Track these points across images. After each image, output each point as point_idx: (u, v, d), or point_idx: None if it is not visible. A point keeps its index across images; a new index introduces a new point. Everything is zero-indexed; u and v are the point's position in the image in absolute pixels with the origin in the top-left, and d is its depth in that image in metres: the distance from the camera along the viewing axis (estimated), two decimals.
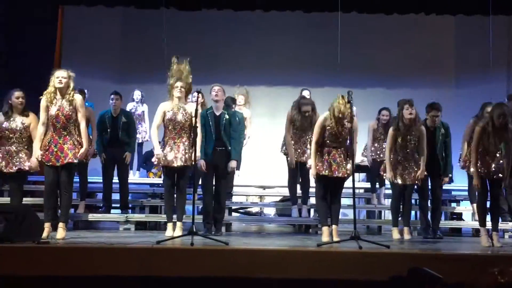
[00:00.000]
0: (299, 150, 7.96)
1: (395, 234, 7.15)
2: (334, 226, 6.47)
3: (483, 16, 10.65)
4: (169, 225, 6.71)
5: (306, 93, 8.65)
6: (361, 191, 9.85)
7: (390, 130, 7.19)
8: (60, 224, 6.12)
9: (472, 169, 6.53)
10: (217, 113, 7.20)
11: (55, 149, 6.03)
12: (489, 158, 6.39)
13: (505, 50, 12.11)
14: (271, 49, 12.12)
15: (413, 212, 7.75)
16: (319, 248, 5.60)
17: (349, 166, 6.32)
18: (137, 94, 10.26)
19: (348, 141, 6.35)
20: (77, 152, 6.08)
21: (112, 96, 8.38)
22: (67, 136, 6.09)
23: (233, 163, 7.26)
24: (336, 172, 6.31)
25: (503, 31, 11.93)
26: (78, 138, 6.16)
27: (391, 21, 11.41)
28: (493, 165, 6.37)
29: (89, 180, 8.48)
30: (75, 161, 6.09)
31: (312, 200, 8.44)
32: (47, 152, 6.05)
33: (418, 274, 2.47)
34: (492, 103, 6.94)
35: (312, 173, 6.46)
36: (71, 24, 11.82)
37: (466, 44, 12.19)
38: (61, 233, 6.07)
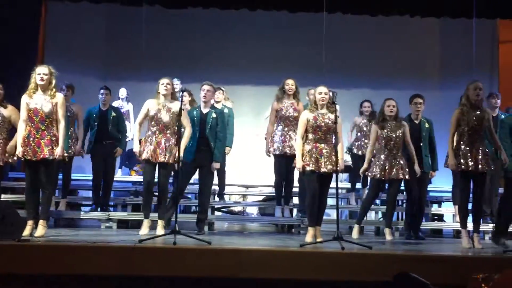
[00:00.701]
0: (284, 143, 7.80)
1: (355, 233, 7.17)
2: (317, 227, 6.48)
3: (467, 19, 10.75)
4: (145, 222, 6.68)
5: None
6: (344, 191, 9.88)
7: (373, 126, 7.31)
8: (40, 222, 6.07)
9: (448, 152, 6.59)
10: (204, 112, 7.16)
11: (33, 144, 5.98)
12: (473, 148, 6.35)
13: (489, 53, 12.24)
14: (256, 48, 12.10)
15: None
16: (302, 249, 5.61)
17: (336, 162, 6.34)
18: (122, 92, 10.18)
19: (334, 138, 6.38)
20: (54, 150, 6.03)
21: (102, 91, 8.32)
22: (45, 131, 6.03)
23: (216, 165, 7.22)
24: (323, 167, 6.28)
25: (486, 34, 12.04)
26: (56, 134, 6.11)
27: (376, 23, 11.46)
28: (480, 157, 6.35)
29: (72, 177, 8.40)
30: (50, 158, 6.01)
31: (295, 200, 8.45)
32: (26, 147, 5.99)
33: (405, 280, 2.47)
34: None
35: (297, 166, 6.41)
36: (54, 19, 11.71)
37: (451, 46, 12.28)
38: (40, 230, 6.01)
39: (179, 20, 11.91)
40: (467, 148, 6.38)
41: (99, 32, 12.28)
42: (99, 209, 8.19)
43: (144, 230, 6.57)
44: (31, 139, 5.99)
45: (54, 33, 11.73)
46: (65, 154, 6.93)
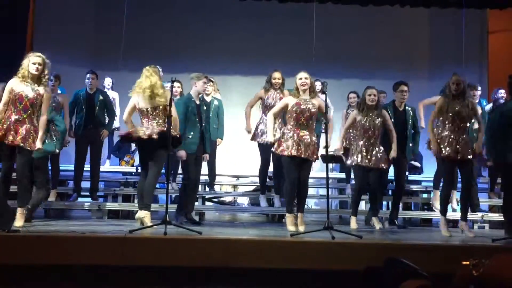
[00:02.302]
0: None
1: (353, 224, 7.10)
2: (299, 214, 6.51)
3: (456, 9, 10.77)
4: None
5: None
6: (334, 181, 9.91)
7: (353, 112, 7.35)
8: (18, 210, 5.98)
9: (430, 138, 6.66)
10: (198, 103, 7.16)
11: (12, 128, 5.91)
12: (456, 135, 6.41)
13: (478, 43, 12.28)
14: (246, 38, 12.07)
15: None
16: (293, 238, 5.62)
17: (317, 151, 6.39)
18: (108, 81, 10.14)
19: (315, 125, 6.46)
20: (31, 142, 5.97)
21: (89, 75, 8.25)
22: (26, 120, 5.98)
23: (207, 156, 7.31)
24: (303, 153, 6.32)
25: (476, 24, 12.08)
26: (36, 126, 6.06)
27: (366, 13, 11.46)
28: (461, 144, 6.40)
29: (61, 167, 8.36)
30: (26, 147, 5.95)
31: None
32: (4, 131, 5.90)
33: (394, 264, 2.48)
34: None
35: (269, 139, 6.63)
36: (43, 8, 11.62)
37: (440, 36, 12.31)
38: (19, 220, 5.92)
39: (167, 9, 11.85)
40: (452, 136, 6.44)
41: (88, 21, 12.20)
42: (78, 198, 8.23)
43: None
44: (11, 124, 5.92)
45: (43, 22, 11.63)
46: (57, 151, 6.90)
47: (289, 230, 6.33)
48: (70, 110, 8.12)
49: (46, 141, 6.53)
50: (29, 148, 5.98)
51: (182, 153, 6.88)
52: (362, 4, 11.04)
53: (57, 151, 6.88)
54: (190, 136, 6.96)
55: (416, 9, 11.45)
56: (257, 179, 9.51)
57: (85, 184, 8.41)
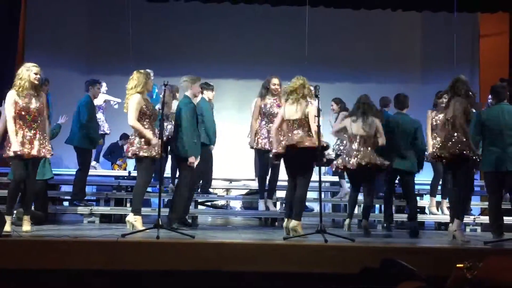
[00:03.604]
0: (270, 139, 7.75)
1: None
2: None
3: (448, 13, 10.82)
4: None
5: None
6: (327, 184, 9.91)
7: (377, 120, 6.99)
8: (26, 217, 6.04)
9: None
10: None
11: (26, 142, 5.93)
12: (451, 138, 6.24)
13: (470, 47, 12.34)
14: (239, 42, 12.09)
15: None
16: (286, 242, 5.62)
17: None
18: (105, 86, 10.16)
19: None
20: (47, 150, 6.09)
21: (98, 85, 8.43)
22: (37, 130, 6.02)
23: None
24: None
25: (467, 27, 12.15)
26: (45, 134, 6.15)
27: (358, 16, 11.49)
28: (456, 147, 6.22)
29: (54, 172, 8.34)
30: (43, 155, 6.10)
31: (278, 194, 8.45)
32: (23, 147, 5.91)
33: (390, 266, 2.48)
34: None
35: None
36: (35, 12, 11.58)
37: (432, 40, 12.37)
38: (26, 225, 5.98)
39: (160, 14, 11.86)
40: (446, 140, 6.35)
41: (81, 25, 12.18)
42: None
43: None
44: (25, 137, 5.94)
45: (35, 26, 11.60)
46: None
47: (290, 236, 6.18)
48: (89, 118, 8.00)
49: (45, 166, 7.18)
50: (43, 156, 6.15)
51: (192, 160, 6.73)
52: (354, 7, 11.07)
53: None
54: (196, 141, 6.86)
55: (408, 13, 11.49)
56: (250, 183, 9.52)
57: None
